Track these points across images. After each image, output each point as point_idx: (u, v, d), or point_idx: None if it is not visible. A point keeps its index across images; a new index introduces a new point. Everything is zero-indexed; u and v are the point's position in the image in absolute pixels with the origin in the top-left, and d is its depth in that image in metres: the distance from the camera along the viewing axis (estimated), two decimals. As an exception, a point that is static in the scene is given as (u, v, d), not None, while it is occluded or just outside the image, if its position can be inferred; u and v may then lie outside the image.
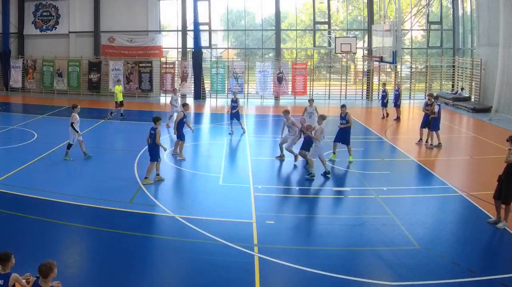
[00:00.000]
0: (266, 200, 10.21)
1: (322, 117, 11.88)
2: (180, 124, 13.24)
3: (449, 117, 20.06)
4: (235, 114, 16.84)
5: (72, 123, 12.89)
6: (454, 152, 14.71)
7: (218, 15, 28.87)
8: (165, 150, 11.83)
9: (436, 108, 14.75)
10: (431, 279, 6.76)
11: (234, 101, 16.97)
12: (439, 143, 14.90)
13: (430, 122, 14.84)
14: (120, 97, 20.17)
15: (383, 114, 20.52)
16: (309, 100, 15.63)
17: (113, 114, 20.04)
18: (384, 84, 21.74)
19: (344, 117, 13.20)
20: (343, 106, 13.42)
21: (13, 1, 27.80)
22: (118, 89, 20.30)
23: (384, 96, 20.53)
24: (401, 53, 22.91)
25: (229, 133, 16.86)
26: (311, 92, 26.37)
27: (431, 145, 14.94)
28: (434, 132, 14.91)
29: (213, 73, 26.48)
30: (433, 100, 15.07)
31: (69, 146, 13.10)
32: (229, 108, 17.38)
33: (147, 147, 11.43)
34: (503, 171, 8.57)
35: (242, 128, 17.12)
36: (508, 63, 19.97)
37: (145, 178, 11.08)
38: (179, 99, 19.68)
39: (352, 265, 7.29)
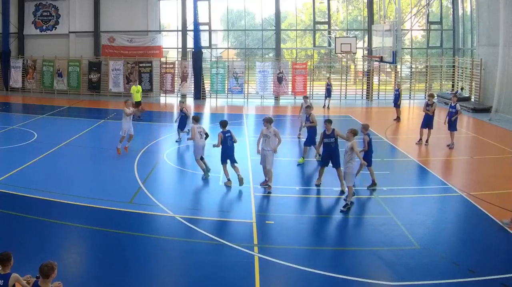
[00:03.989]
0: (266, 200, 10.22)
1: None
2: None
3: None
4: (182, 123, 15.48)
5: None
6: (454, 152, 14.68)
7: (218, 15, 28.86)
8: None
9: (458, 107, 14.88)
10: (431, 279, 6.77)
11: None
12: (452, 143, 14.85)
13: (451, 121, 14.80)
14: (136, 98, 19.04)
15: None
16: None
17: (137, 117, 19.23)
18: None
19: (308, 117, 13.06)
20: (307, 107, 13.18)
21: (13, 1, 27.74)
22: (134, 89, 19.41)
23: None
24: (401, 53, 22.91)
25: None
26: (311, 92, 26.37)
27: (452, 144, 14.84)
28: (453, 132, 14.88)
29: (213, 73, 26.44)
30: (433, 100, 15.04)
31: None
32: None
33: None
34: None
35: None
36: (508, 63, 19.96)
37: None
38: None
39: (352, 265, 7.29)
